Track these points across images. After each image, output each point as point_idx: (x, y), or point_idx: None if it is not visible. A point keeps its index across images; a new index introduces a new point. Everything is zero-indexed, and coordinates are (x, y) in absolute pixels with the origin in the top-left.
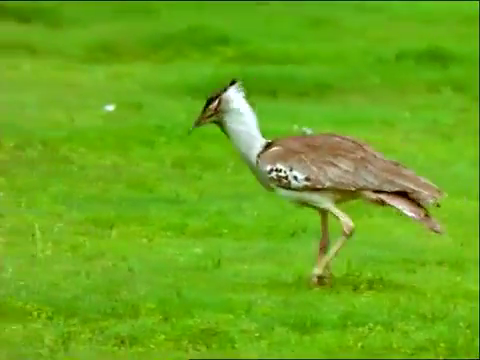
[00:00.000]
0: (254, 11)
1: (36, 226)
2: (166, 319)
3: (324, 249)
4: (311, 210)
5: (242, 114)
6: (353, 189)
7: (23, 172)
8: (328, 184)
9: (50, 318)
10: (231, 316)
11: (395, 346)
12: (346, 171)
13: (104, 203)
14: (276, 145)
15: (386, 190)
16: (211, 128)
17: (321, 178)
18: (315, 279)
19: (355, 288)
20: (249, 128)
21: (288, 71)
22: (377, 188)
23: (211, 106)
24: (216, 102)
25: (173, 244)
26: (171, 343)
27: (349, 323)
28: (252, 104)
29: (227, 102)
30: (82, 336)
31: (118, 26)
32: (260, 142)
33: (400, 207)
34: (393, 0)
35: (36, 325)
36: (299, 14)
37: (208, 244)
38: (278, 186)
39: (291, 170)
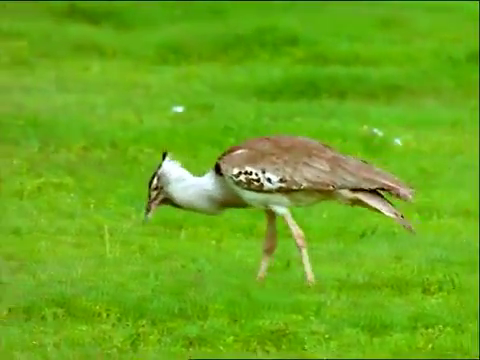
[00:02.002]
0: (323, 11)
1: (105, 227)
2: (235, 320)
3: (269, 253)
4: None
5: (184, 179)
6: (331, 188)
7: (92, 173)
8: (305, 185)
9: (119, 319)
10: (300, 317)
11: (465, 347)
12: (322, 171)
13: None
14: (240, 148)
15: (365, 188)
16: (280, 128)
17: (297, 179)
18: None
19: (425, 290)
20: (197, 187)
21: (357, 72)
22: (355, 186)
23: (152, 185)
24: (155, 180)
25: (242, 245)
26: (240, 344)
27: (419, 325)
28: None
29: (164, 176)
30: (151, 337)
31: (188, 27)
32: (205, 178)
33: (377, 207)
34: (464, 0)
35: (105, 326)
36: (369, 15)
37: (278, 245)
38: (245, 189)
39: (264, 172)
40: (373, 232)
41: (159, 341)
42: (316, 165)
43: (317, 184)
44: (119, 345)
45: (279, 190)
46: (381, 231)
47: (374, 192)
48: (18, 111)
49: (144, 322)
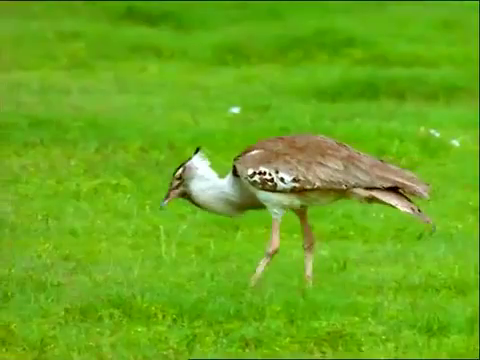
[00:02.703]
0: (383, 12)
1: (161, 228)
2: (292, 321)
3: (310, 249)
4: (438, 213)
5: (207, 180)
6: (344, 188)
7: (149, 174)
8: (319, 184)
9: (175, 320)
10: (357, 319)
11: None
12: (336, 170)
13: None
14: (255, 149)
15: (378, 186)
16: (339, 129)
17: (310, 178)
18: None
19: None
20: (216, 189)
21: (417, 73)
22: (369, 185)
23: (176, 174)
24: (181, 169)
25: (299, 246)
26: (296, 345)
27: (477, 326)
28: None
29: (191, 169)
30: (207, 338)
31: (246, 28)
32: (225, 181)
33: (393, 203)
34: None
35: (161, 327)
36: (429, 15)
37: (334, 246)
38: (260, 189)
39: (277, 172)
40: (431, 233)
41: (215, 342)
42: (330, 164)
43: (331, 183)
44: (175, 346)
45: (293, 190)
46: (439, 232)
47: (388, 189)
48: (76, 112)
49: (200, 323)
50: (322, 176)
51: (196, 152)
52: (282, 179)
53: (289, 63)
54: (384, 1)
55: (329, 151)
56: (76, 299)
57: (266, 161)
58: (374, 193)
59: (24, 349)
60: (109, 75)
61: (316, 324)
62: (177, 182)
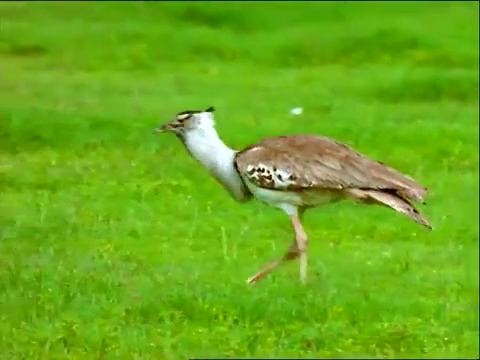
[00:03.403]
0: (445, 13)
1: (222, 229)
2: (354, 323)
3: (304, 251)
4: None
5: (205, 136)
6: (340, 187)
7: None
8: (314, 182)
9: (236, 321)
10: (420, 320)
11: None
12: (332, 169)
13: None
14: (256, 146)
15: (374, 188)
16: (402, 131)
17: (307, 177)
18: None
19: None
20: (210, 147)
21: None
22: (365, 186)
23: (180, 117)
24: (185, 116)
25: (361, 248)
26: (359, 347)
27: None
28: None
29: (194, 121)
30: (268, 339)
31: (308, 29)
32: (227, 153)
33: (389, 203)
34: None
35: (222, 328)
36: None
37: (396, 248)
38: (259, 186)
39: (275, 169)
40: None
41: (276, 343)
42: (327, 164)
43: (327, 182)
44: (236, 347)
45: (290, 187)
46: None
47: (385, 190)
48: (138, 113)
49: (262, 324)
50: (318, 175)
51: (208, 110)
52: (279, 176)
53: (351, 64)
54: (447, 1)
55: (327, 150)
56: (137, 300)
57: (265, 158)
58: (370, 194)
59: (85, 350)
60: (170, 76)
61: (378, 325)
62: (176, 123)
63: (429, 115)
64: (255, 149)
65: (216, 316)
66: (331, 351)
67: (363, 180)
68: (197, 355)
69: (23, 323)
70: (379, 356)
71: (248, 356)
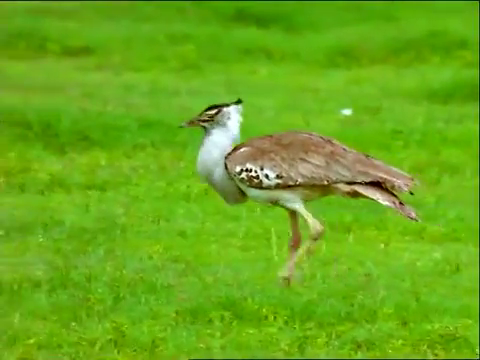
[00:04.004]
0: None
1: (272, 230)
2: (404, 324)
3: (295, 248)
4: None
5: (228, 136)
6: (326, 183)
7: None
8: (300, 180)
9: (286, 322)
10: (470, 321)
11: None
12: (317, 166)
13: (342, 207)
14: (244, 146)
15: (359, 181)
16: (451, 132)
17: (293, 175)
18: (281, 281)
19: None
20: (225, 149)
21: None
22: (351, 180)
23: (209, 112)
24: (215, 111)
25: (411, 249)
26: (409, 348)
27: None
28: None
29: (224, 116)
30: (318, 340)
31: (358, 30)
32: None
33: (374, 197)
34: None
35: (272, 329)
36: None
37: (446, 249)
38: (249, 186)
39: (262, 169)
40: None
41: (326, 344)
42: (312, 161)
43: (312, 179)
44: (286, 348)
45: (277, 186)
46: None
47: (371, 184)
48: (186, 114)
49: (311, 325)
50: (304, 172)
51: (237, 102)
52: (267, 176)
53: (401, 65)
54: None
55: (312, 147)
56: (186, 301)
57: (252, 158)
58: (356, 188)
59: (135, 350)
60: (219, 77)
61: (428, 326)
62: (206, 119)
63: (478, 116)
64: (243, 149)
65: (266, 317)
66: (381, 352)
67: (348, 175)
68: (246, 356)
69: (73, 324)
70: (429, 357)
71: (298, 357)
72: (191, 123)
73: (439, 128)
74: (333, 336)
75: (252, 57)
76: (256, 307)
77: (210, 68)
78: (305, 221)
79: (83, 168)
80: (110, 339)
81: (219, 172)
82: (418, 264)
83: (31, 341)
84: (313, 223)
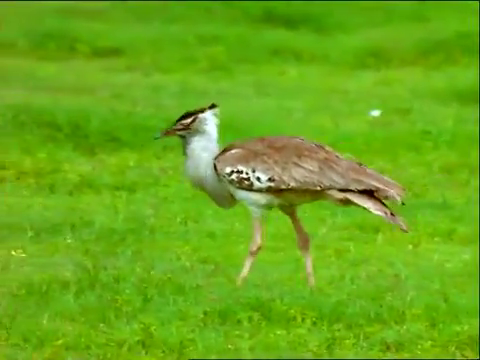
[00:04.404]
0: None
1: None
2: (433, 325)
3: (306, 248)
4: None
5: (210, 140)
6: (319, 188)
7: None
8: (293, 184)
9: (314, 323)
10: None
11: None
12: (311, 171)
13: None
14: (235, 147)
15: (352, 189)
16: None
17: (285, 178)
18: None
19: None
20: (213, 151)
21: None
22: (343, 187)
23: (184, 121)
24: (190, 119)
25: (440, 250)
26: (438, 349)
27: None
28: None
29: (201, 122)
30: (347, 341)
31: (387, 31)
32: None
33: (366, 205)
34: None
35: (300, 330)
36: None
37: (476, 250)
38: (238, 188)
39: (254, 171)
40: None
41: (355, 345)
42: (305, 165)
43: (305, 184)
44: (314, 349)
45: (269, 189)
46: None
47: (363, 192)
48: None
49: (340, 326)
50: (297, 176)
51: (212, 107)
52: (258, 178)
53: (430, 66)
54: None
55: (306, 152)
56: (215, 302)
57: (244, 160)
58: (348, 195)
59: (163, 352)
60: (248, 78)
61: (458, 328)
62: (181, 128)
63: None
64: (234, 151)
65: (294, 318)
66: (410, 353)
67: (341, 182)
68: (275, 357)
69: (101, 325)
70: (458, 359)
71: (326, 358)
72: (167, 133)
73: (469, 129)
74: (362, 337)
75: (281, 58)
76: (285, 308)
77: (239, 69)
78: (252, 231)
79: (112, 169)
80: (138, 340)
81: (211, 175)
82: (447, 265)
83: (59, 342)
84: (257, 238)
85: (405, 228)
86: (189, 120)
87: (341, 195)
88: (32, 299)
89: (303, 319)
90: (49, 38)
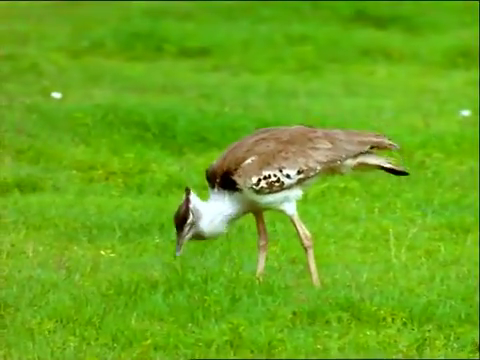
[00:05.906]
0: None
1: (390, 231)
2: None
3: (264, 247)
4: None
5: (210, 213)
6: (339, 163)
7: (377, 177)
8: (319, 167)
9: (404, 323)
10: None
11: None
12: (328, 149)
13: (461, 209)
14: (246, 158)
15: (362, 152)
16: None
17: (312, 165)
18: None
19: None
20: (220, 214)
21: None
22: (356, 153)
23: (184, 225)
24: (191, 216)
25: None
26: None
27: None
28: None
29: (195, 214)
30: (437, 342)
31: (478, 31)
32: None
33: (377, 162)
34: None
35: (390, 330)
36: None
37: None
38: (267, 194)
39: (281, 171)
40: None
41: (445, 346)
42: (320, 146)
43: (328, 163)
44: (404, 350)
45: (298, 182)
46: None
47: (366, 153)
48: (304, 115)
49: (430, 327)
50: (320, 158)
51: (188, 193)
52: (288, 175)
53: None
54: None
55: (310, 135)
56: (304, 302)
57: (266, 164)
58: (361, 159)
59: (252, 352)
60: (338, 78)
61: None
62: (188, 228)
63: None
64: (249, 160)
65: (384, 319)
66: None
67: (353, 148)
68: (365, 357)
69: (190, 325)
70: None
71: (416, 359)
72: (182, 244)
73: None
74: (452, 338)
75: (371, 58)
76: (374, 308)
77: (328, 69)
78: (296, 229)
79: (200, 169)
80: (227, 340)
81: (231, 211)
82: None
83: (148, 342)
84: (303, 232)
85: (405, 169)
86: (190, 218)
87: (355, 161)
88: (121, 299)
89: (393, 319)
90: (137, 38)
